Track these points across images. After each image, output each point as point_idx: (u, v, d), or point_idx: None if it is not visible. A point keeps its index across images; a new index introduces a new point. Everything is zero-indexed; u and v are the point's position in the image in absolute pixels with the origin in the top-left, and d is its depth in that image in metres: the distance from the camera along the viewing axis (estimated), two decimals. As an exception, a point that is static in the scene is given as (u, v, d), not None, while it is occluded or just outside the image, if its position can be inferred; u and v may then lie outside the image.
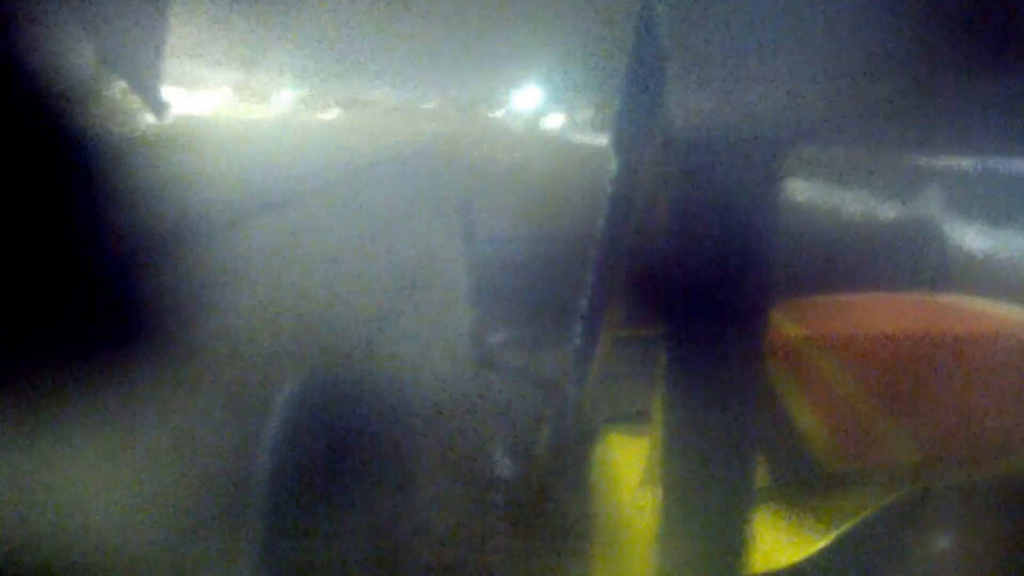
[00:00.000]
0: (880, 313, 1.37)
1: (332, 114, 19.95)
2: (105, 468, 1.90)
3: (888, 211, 2.15)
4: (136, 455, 2.09)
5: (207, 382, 2.67)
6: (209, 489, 2.02)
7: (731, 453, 0.70)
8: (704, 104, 0.55)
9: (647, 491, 1.22)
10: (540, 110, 19.66)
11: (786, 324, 1.27)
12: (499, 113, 21.00)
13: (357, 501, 1.64)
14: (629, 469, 1.40)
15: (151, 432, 2.20)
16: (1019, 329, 1.26)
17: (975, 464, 0.92)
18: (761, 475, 0.97)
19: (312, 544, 1.57)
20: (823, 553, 0.80)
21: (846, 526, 0.79)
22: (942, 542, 0.76)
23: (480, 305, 1.92)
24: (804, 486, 0.99)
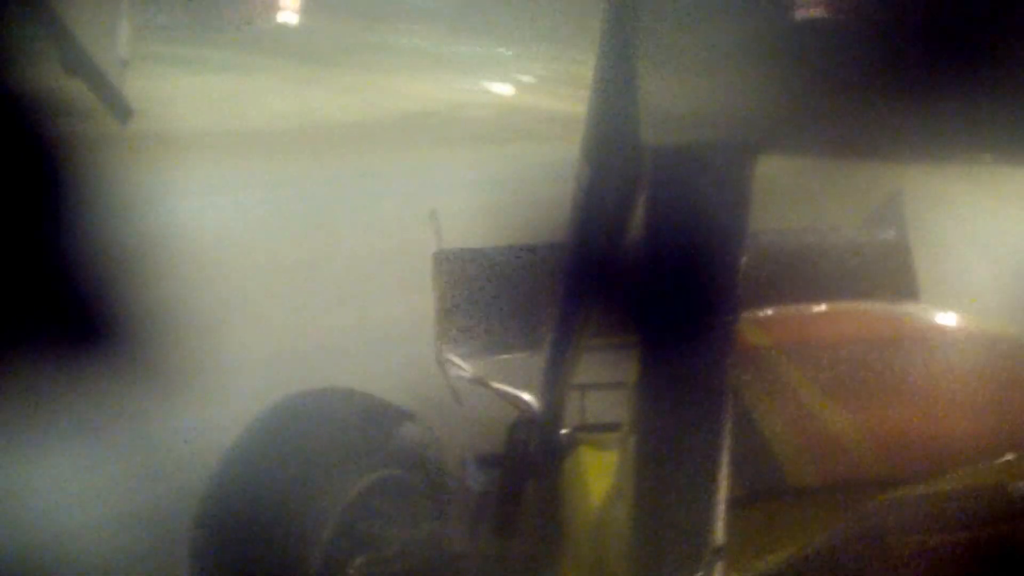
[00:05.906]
0: (847, 323, 1.38)
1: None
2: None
3: (857, 222, 2.16)
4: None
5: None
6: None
7: (701, 462, 0.69)
8: (675, 111, 0.55)
9: (618, 500, 1.22)
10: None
11: (755, 333, 1.27)
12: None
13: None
14: (600, 479, 1.39)
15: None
16: (980, 337, 1.27)
17: (940, 473, 0.93)
18: (731, 485, 0.97)
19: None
20: (790, 563, 0.79)
21: (813, 537, 0.79)
22: (910, 551, 0.76)
23: (447, 316, 1.90)
24: (772, 497, 0.99)
